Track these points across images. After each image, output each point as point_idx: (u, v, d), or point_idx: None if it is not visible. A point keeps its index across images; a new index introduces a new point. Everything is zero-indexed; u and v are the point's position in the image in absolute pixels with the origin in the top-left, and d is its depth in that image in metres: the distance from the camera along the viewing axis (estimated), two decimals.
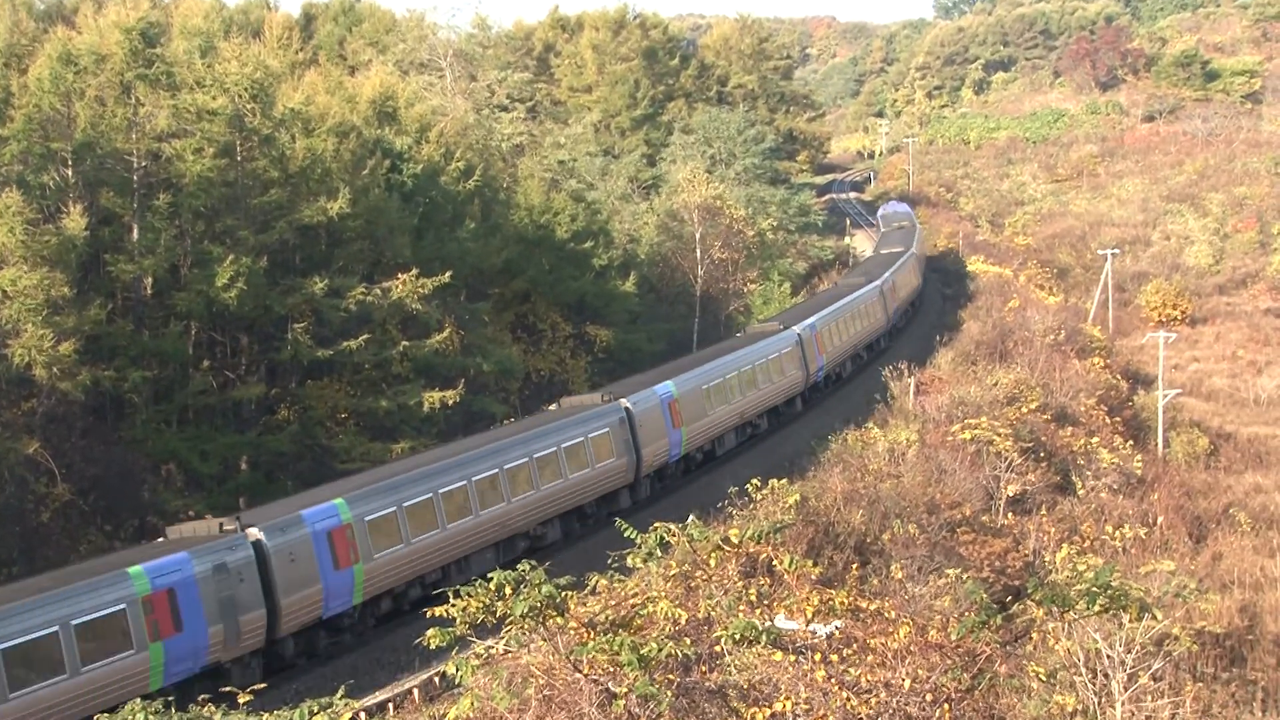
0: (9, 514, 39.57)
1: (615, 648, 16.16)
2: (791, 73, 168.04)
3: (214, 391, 47.30)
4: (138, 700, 19.63)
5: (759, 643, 16.53)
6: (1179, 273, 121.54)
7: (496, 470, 39.46)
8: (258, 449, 47.28)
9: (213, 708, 19.93)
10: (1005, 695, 21.45)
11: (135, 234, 45.47)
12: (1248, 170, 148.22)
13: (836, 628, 17.53)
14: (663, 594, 19.00)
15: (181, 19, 59.38)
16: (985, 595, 17.59)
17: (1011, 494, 49.82)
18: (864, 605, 18.01)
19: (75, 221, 41.50)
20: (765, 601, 18.42)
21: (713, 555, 18.68)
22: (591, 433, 43.94)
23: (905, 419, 56.26)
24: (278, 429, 48.37)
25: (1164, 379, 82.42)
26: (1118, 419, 69.93)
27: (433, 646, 17.49)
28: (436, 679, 31.36)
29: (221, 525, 31.88)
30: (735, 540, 18.32)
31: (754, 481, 37.77)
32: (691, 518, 19.53)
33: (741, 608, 18.06)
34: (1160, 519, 54.60)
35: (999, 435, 52.09)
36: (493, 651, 18.99)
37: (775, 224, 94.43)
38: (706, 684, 17.47)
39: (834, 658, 17.00)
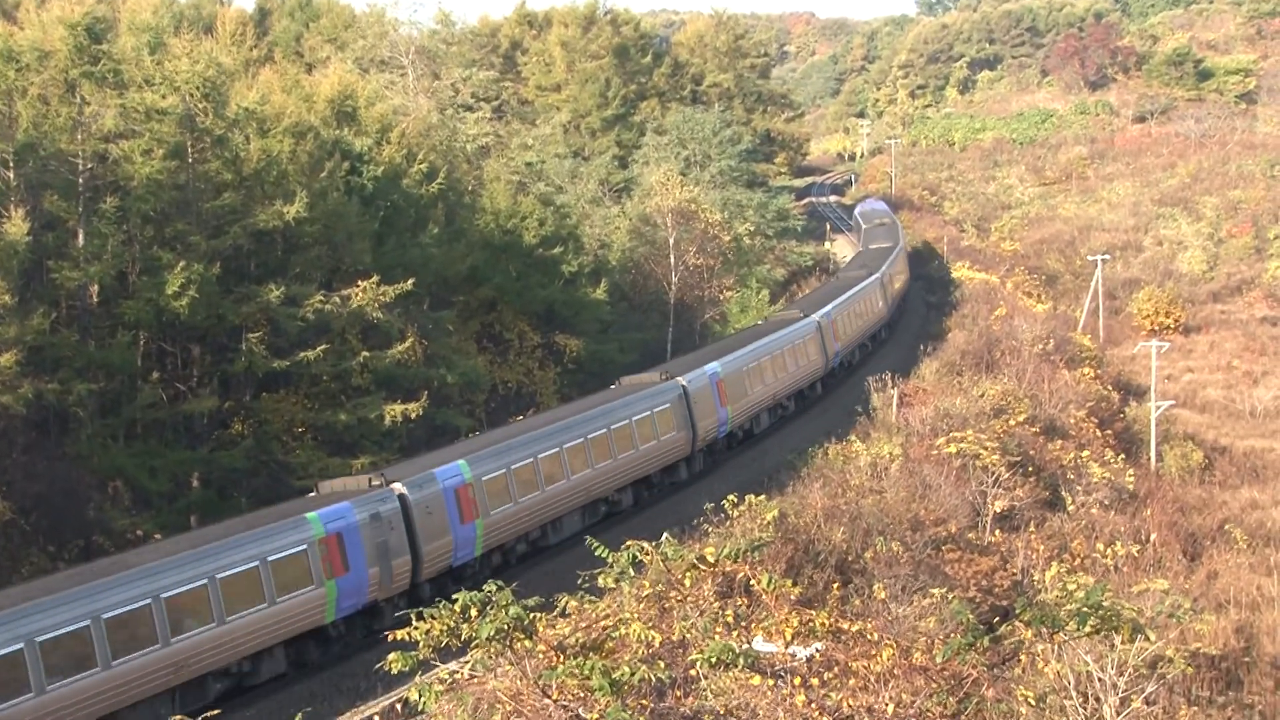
0: None
1: (586, 672, 16.16)
2: (769, 71, 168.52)
3: (164, 405, 47.07)
4: None
5: (736, 666, 16.55)
6: (1172, 279, 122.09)
7: (582, 439, 44.84)
8: (210, 465, 47.09)
9: None
10: None
11: (81, 239, 45.25)
12: (1242, 173, 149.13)
13: (817, 650, 17.56)
14: (635, 615, 19.00)
15: (129, 14, 59.13)
16: (971, 616, 17.66)
17: (999, 510, 49.96)
18: (845, 626, 18.05)
19: (17, 226, 41.28)
20: (743, 623, 18.44)
21: (688, 575, 18.70)
22: (656, 407, 49.38)
23: (888, 432, 56.36)
24: (231, 444, 48.18)
25: (1156, 390, 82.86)
26: (1109, 432, 70.21)
27: (394, 671, 17.46)
28: (398, 705, 31.21)
29: (370, 480, 37.12)
30: (711, 559, 18.36)
31: (730, 498, 37.79)
32: (665, 535, 19.54)
33: (718, 630, 18.07)
34: (1153, 536, 54.83)
35: (985, 449, 52.21)
36: (457, 676, 18.94)
37: (752, 229, 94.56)
38: (681, 710, 17.49)
39: (814, 681, 17.02)
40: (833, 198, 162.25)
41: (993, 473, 50.97)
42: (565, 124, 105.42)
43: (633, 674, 16.24)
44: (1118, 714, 26.73)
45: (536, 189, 77.62)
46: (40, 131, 44.76)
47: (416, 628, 17.54)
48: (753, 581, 18.42)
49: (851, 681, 16.99)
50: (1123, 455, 66.81)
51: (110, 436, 45.50)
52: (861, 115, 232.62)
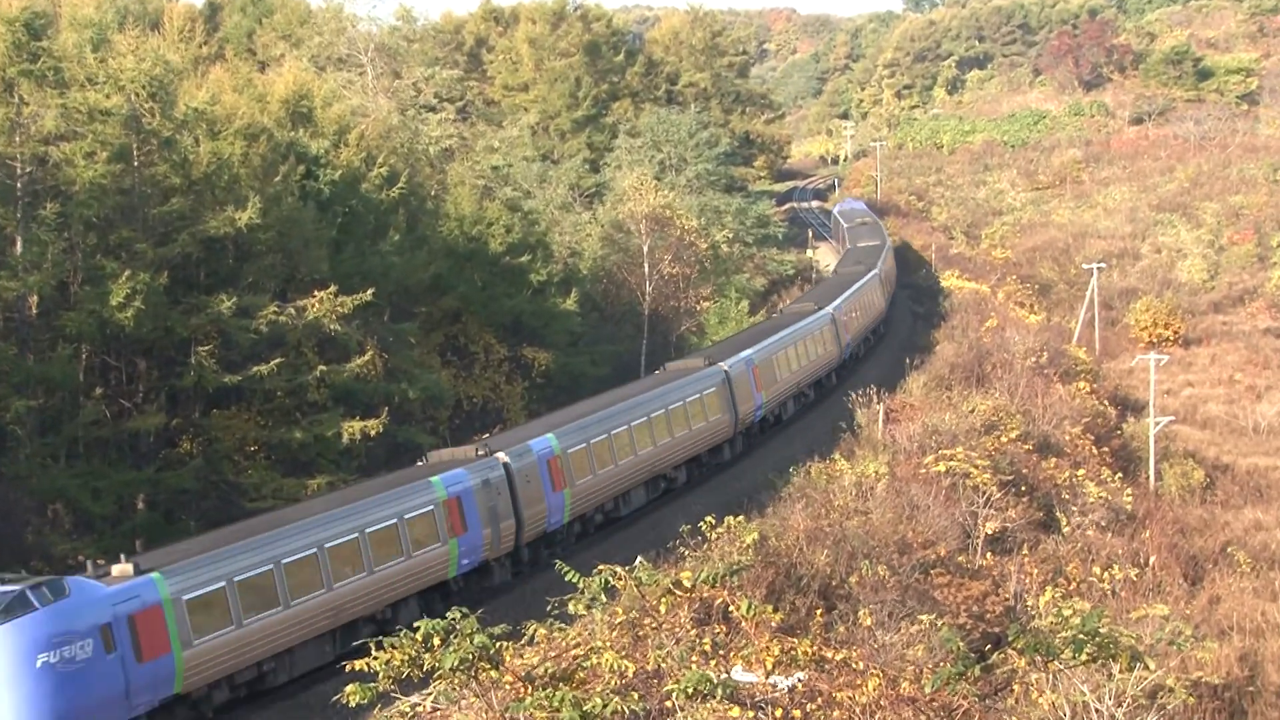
0: None
1: (555, 704, 16.12)
2: (748, 70, 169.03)
3: (107, 422, 46.86)
4: None
5: (714, 697, 16.53)
6: (1171, 289, 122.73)
7: (646, 419, 50.48)
8: (156, 486, 46.85)
9: None
10: None
11: (19, 247, 45.02)
12: (1244, 177, 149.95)
13: (799, 680, 17.56)
14: (608, 644, 18.97)
15: (71, 9, 58.90)
16: (962, 644, 17.68)
17: (990, 532, 50.04)
18: (829, 655, 18.06)
19: None
20: (721, 651, 18.43)
21: (663, 600, 18.69)
22: (705, 390, 55.08)
23: (873, 449, 56.43)
24: (179, 464, 47.96)
25: (1155, 405, 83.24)
26: (1105, 449, 70.50)
27: (352, 704, 17.38)
28: None
29: (476, 450, 42.53)
30: (688, 584, 18.34)
31: (708, 519, 37.81)
32: (639, 559, 19.52)
33: (695, 658, 18.06)
34: (1152, 559, 55.04)
35: (976, 467, 52.36)
36: (419, 709, 18.89)
37: (731, 236, 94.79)
38: None
39: (796, 714, 17.03)
40: (815, 203, 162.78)
41: (984, 493, 51.08)
42: (533, 126, 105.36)
43: (605, 706, 16.22)
44: None
45: (503, 194, 77.60)
46: None
47: (376, 657, 17.48)
48: (732, 608, 18.42)
49: (836, 713, 17.00)
50: (1120, 474, 67.08)
51: (50, 456, 45.25)
52: (845, 116, 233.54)
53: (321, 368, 50.73)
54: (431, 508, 38.68)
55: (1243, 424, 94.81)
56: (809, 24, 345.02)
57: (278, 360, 48.74)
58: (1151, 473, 75.43)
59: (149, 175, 47.69)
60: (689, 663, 17.84)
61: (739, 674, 17.60)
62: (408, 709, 18.87)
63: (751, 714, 17.00)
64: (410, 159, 68.92)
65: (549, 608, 21.50)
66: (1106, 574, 49.91)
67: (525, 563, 43.83)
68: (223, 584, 31.81)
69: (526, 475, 42.95)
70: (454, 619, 17.26)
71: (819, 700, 17.39)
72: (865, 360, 79.78)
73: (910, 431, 58.53)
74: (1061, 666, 18.93)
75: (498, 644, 17.06)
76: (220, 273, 50.73)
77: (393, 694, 17.71)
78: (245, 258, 51.14)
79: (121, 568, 30.23)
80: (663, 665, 18.19)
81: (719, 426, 55.99)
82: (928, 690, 16.76)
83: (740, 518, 38.54)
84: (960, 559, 46.81)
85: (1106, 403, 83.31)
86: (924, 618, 34.70)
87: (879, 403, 61.87)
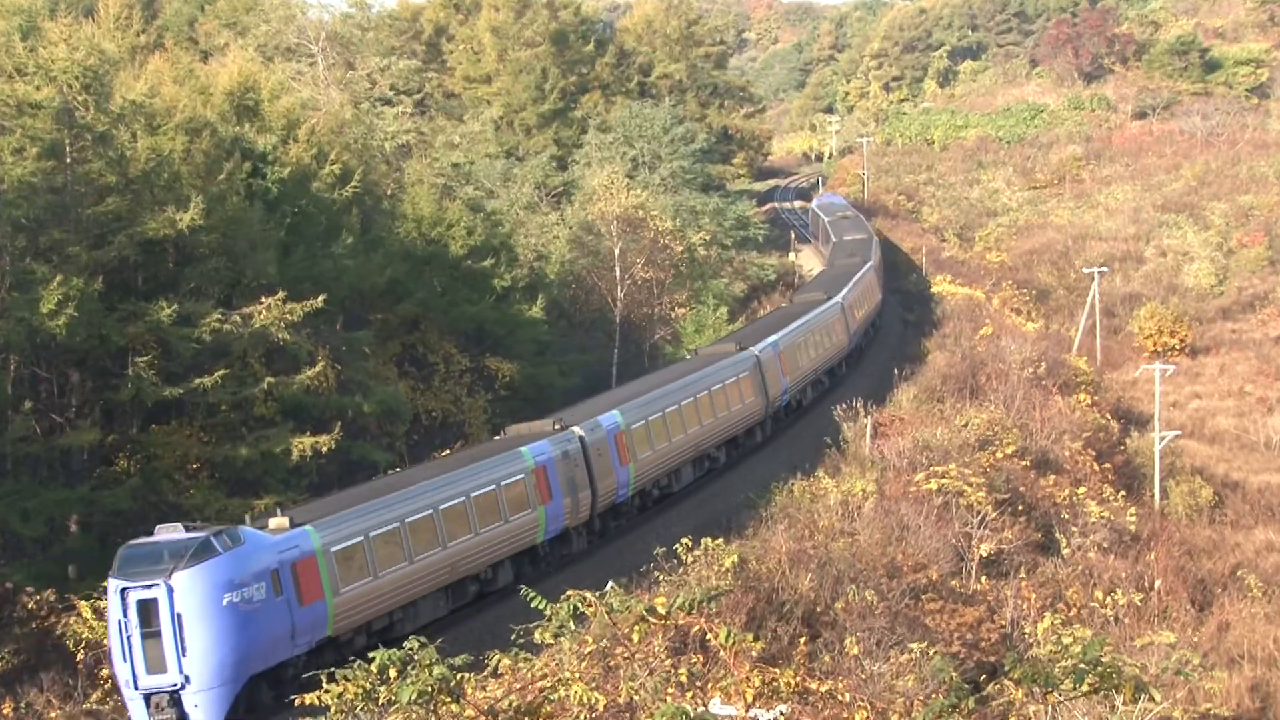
0: None
1: None
2: (726, 61, 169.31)
3: (37, 438, 46.65)
4: None
5: None
6: (1177, 295, 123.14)
7: (693, 399, 56.07)
8: (90, 506, 46.65)
9: None
10: None
11: None
12: (1254, 175, 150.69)
13: (781, 713, 17.56)
14: (576, 675, 18.94)
15: None
16: (955, 674, 17.69)
17: (985, 554, 50.17)
18: (814, 686, 18.06)
19: None
20: (698, 683, 18.42)
21: (636, 628, 18.64)
22: (740, 374, 60.52)
23: (861, 466, 56.56)
24: (115, 482, 47.76)
25: (1161, 419, 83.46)
26: (1107, 465, 70.74)
27: None
28: None
29: (554, 424, 47.80)
30: (662, 610, 18.30)
31: (684, 541, 37.83)
32: (610, 584, 19.51)
33: (670, 691, 18.04)
34: (1158, 583, 55.20)
35: (970, 485, 52.50)
36: None
37: (708, 238, 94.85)
38: None
39: None
40: (797, 203, 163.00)
41: (978, 512, 51.22)
42: (497, 120, 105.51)
43: None
44: None
45: (464, 193, 77.63)
46: None
47: (327, 690, 17.41)
48: (709, 636, 18.38)
49: None
50: (1123, 492, 67.25)
51: None
52: (830, 111, 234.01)
53: (269, 380, 50.57)
54: (522, 475, 44.08)
55: (1254, 439, 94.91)
56: (791, 11, 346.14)
57: (222, 372, 48.54)
58: (1157, 491, 75.66)
59: (83, 173, 47.53)
60: (663, 695, 17.83)
61: (717, 707, 17.59)
62: None
63: None
64: (365, 155, 68.89)
65: (514, 636, 21.48)
66: (1109, 599, 50.06)
67: (597, 532, 49.64)
68: (361, 538, 37.16)
69: (598, 449, 48.35)
70: (411, 649, 17.20)
71: None
72: (863, 360, 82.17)
73: (900, 447, 58.68)
74: (1061, 698, 18.94)
75: (459, 675, 17.01)
76: (160, 278, 50.59)
77: None
78: (187, 261, 51.01)
79: (278, 521, 35.85)
80: (635, 698, 18.16)
81: (753, 409, 61.45)
82: None
83: (719, 540, 38.61)
84: (953, 583, 46.92)
85: (1109, 416, 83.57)
86: (914, 646, 34.76)
87: (866, 416, 61.98)
